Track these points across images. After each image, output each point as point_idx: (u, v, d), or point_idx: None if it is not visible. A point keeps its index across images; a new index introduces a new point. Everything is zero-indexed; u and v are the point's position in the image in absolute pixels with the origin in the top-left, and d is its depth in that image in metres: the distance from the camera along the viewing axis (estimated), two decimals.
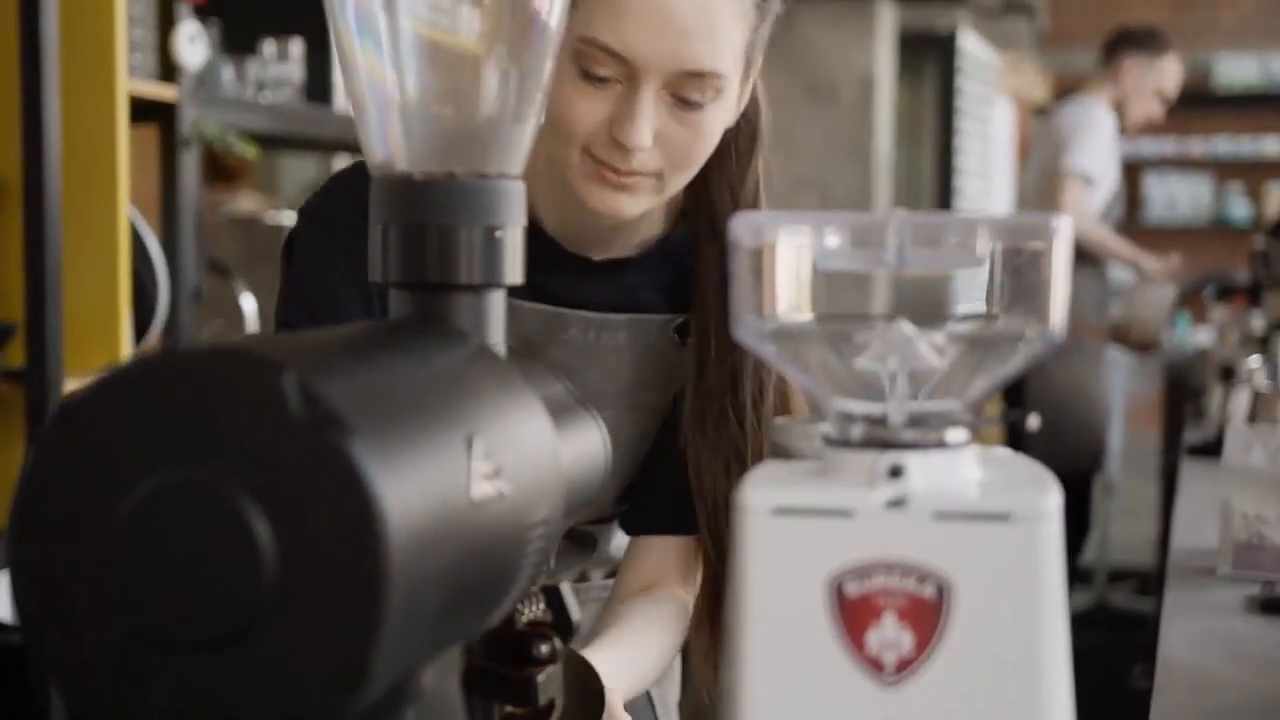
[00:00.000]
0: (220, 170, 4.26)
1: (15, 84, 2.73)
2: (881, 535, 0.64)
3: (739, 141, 1.41)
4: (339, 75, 0.80)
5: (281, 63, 3.79)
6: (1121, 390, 5.54)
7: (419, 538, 0.59)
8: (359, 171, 1.34)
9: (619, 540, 1.57)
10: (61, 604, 0.60)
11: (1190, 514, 2.34)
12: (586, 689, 1.16)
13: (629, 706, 1.36)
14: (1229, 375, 3.39)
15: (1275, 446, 1.86)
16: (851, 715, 0.65)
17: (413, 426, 0.62)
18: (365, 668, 0.57)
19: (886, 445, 0.66)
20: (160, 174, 3.34)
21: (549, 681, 0.81)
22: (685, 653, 1.55)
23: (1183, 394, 4.71)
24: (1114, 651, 4.19)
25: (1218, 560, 1.86)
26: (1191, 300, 6.32)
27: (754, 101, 1.42)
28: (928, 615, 0.64)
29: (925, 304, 0.70)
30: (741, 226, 0.69)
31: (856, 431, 0.67)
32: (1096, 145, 4.73)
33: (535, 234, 0.78)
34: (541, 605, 0.82)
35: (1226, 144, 9.06)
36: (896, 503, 0.64)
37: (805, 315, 0.69)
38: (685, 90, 1.29)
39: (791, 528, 0.65)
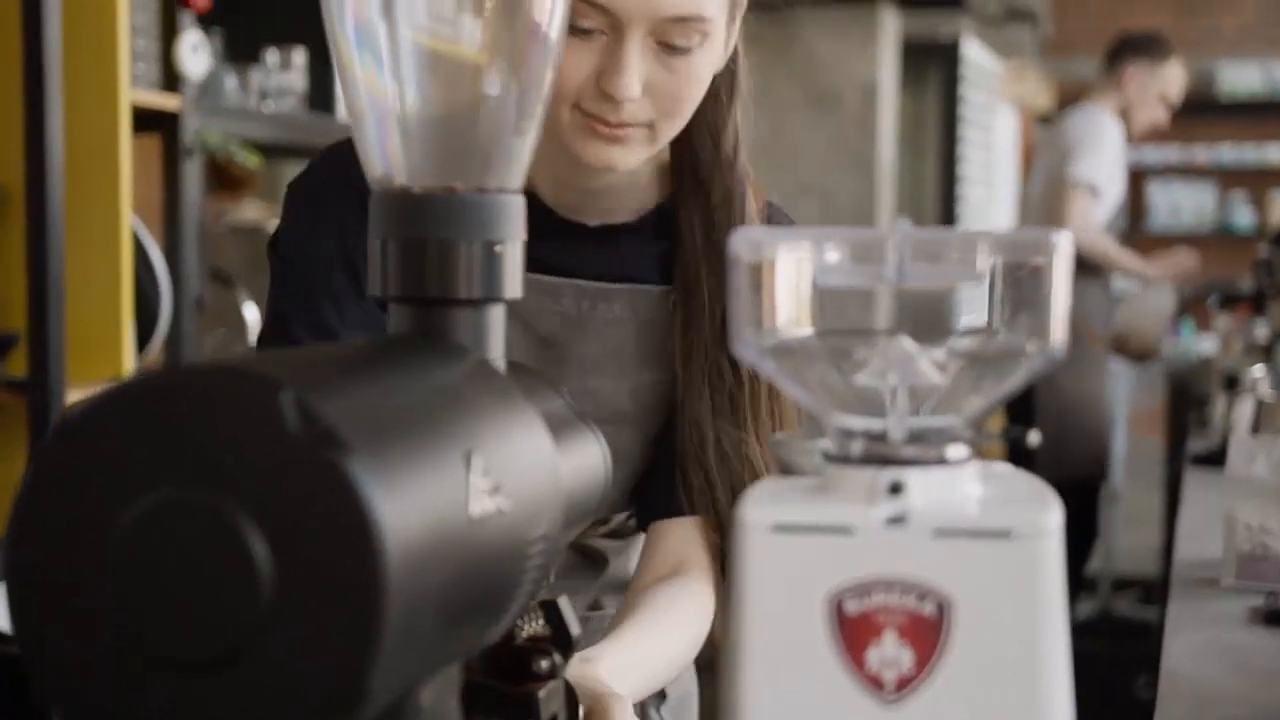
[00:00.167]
0: (224, 179, 4.26)
1: (18, 93, 2.74)
2: (881, 552, 0.64)
3: (718, 89, 1.39)
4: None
5: (284, 72, 3.79)
6: (1125, 398, 5.53)
7: (417, 555, 0.59)
8: (345, 145, 1.33)
9: (631, 560, 1.54)
10: (58, 619, 0.59)
11: (1194, 524, 2.33)
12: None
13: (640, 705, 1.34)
14: (1233, 384, 3.38)
15: (1279, 457, 1.86)
16: None
17: (411, 443, 0.61)
18: (363, 686, 0.57)
19: (886, 462, 0.66)
20: (163, 183, 3.34)
21: (550, 697, 0.81)
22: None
23: (1186, 403, 4.70)
24: (1118, 660, 4.19)
25: (1221, 571, 1.85)
26: (1195, 308, 6.31)
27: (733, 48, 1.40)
28: (928, 633, 0.64)
29: (926, 320, 0.69)
30: (741, 242, 0.69)
31: (856, 448, 0.67)
32: (1103, 155, 4.72)
33: (529, 200, 0.77)
34: (540, 621, 0.81)
35: (1230, 152, 9.05)
36: (896, 520, 0.64)
37: (805, 331, 0.69)
38: (671, 36, 1.27)
39: (791, 545, 0.65)
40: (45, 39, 2.70)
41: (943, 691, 0.64)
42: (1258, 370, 2.90)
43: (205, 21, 3.43)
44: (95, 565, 0.58)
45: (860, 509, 0.65)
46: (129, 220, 3.03)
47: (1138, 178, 8.48)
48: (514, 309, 1.37)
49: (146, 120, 3.21)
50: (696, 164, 1.42)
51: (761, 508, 0.66)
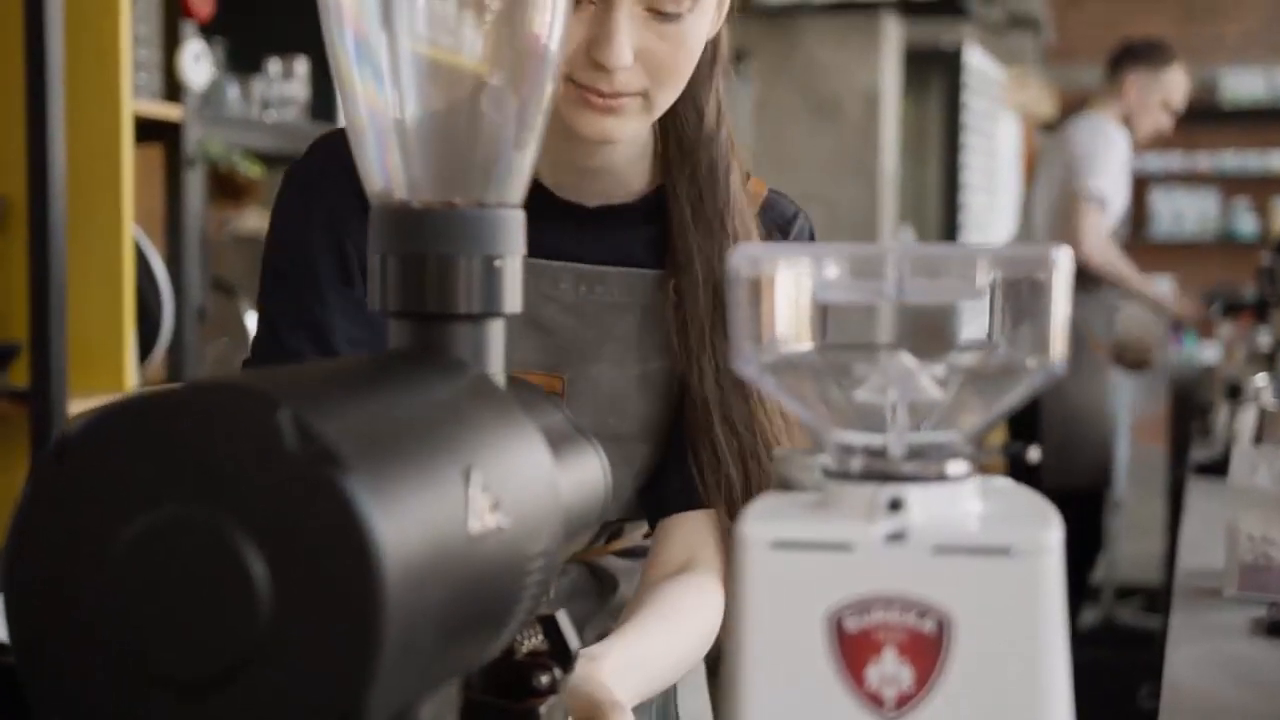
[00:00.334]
0: (226, 187, 4.27)
1: (20, 103, 2.74)
2: (881, 569, 0.64)
3: (701, 59, 1.37)
4: None
5: (286, 81, 3.79)
6: (1128, 406, 5.53)
7: (415, 573, 0.58)
8: (340, 133, 1.32)
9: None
10: (57, 637, 0.59)
11: (1196, 534, 2.33)
12: None
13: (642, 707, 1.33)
14: (1235, 393, 3.38)
15: None
16: None
17: (409, 461, 0.61)
18: (361, 704, 0.57)
19: (886, 478, 0.66)
20: (165, 193, 3.35)
21: (551, 712, 0.81)
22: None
23: (1189, 411, 4.70)
24: (1121, 668, 4.18)
25: (1224, 581, 1.85)
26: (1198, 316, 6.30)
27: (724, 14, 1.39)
28: (928, 650, 0.64)
29: (926, 334, 0.69)
30: (740, 258, 0.68)
31: (856, 463, 0.67)
32: (1111, 167, 4.73)
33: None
34: (539, 636, 0.81)
35: (1233, 158, 9.06)
36: (896, 536, 0.64)
37: (804, 347, 0.69)
38: (661, 3, 1.27)
39: (790, 561, 0.64)
40: (47, 48, 2.71)
41: (943, 709, 0.64)
42: (1260, 379, 2.89)
43: (207, 31, 3.44)
44: (94, 583, 0.58)
45: (860, 525, 0.65)
46: (131, 230, 3.03)
47: (1140, 185, 8.49)
48: None
49: (148, 130, 3.22)
50: (681, 135, 1.41)
51: (761, 524, 0.65)
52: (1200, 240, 9.12)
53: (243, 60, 3.73)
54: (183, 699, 0.58)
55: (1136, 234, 8.58)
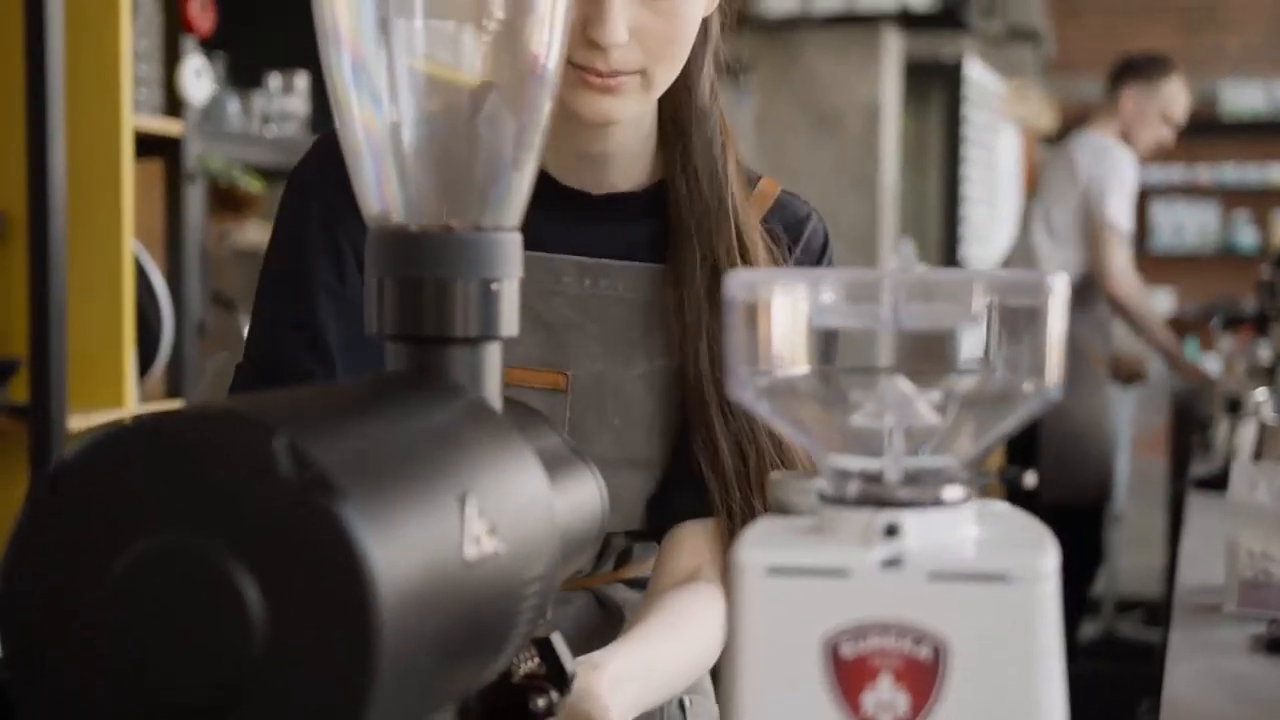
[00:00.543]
0: (226, 199, 4.27)
1: (21, 118, 2.75)
2: (877, 596, 0.64)
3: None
4: None
5: (287, 96, 3.80)
6: (1129, 419, 5.53)
7: (410, 601, 0.58)
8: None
9: None
10: (50, 666, 0.59)
11: (1196, 549, 2.33)
12: None
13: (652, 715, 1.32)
14: (1235, 408, 3.38)
15: None
16: None
17: (404, 487, 0.61)
18: None
19: (882, 503, 0.66)
20: (165, 208, 3.35)
21: None
22: None
23: (1190, 424, 4.70)
24: (1122, 681, 4.18)
25: (1223, 598, 1.85)
26: (1199, 328, 6.31)
27: None
28: (924, 677, 0.63)
29: (924, 359, 0.69)
30: (735, 284, 0.68)
31: (852, 489, 0.67)
32: (1126, 191, 4.73)
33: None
34: (535, 658, 0.81)
35: (1233, 171, 9.05)
36: (892, 562, 0.64)
37: (800, 371, 0.69)
38: None
39: (786, 588, 0.64)
40: (48, 64, 2.71)
41: None
42: (1260, 394, 2.89)
43: (208, 46, 3.44)
44: (90, 609, 0.58)
45: (856, 551, 0.65)
46: (131, 245, 3.03)
47: (1141, 197, 8.44)
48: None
49: (149, 145, 3.22)
50: (675, 113, 1.41)
51: (756, 550, 0.65)
52: (1200, 253, 9.11)
53: (243, 75, 3.73)
54: None
55: (1137, 247, 8.57)
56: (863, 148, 5.79)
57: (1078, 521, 4.54)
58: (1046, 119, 8.51)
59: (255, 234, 4.26)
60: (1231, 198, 9.12)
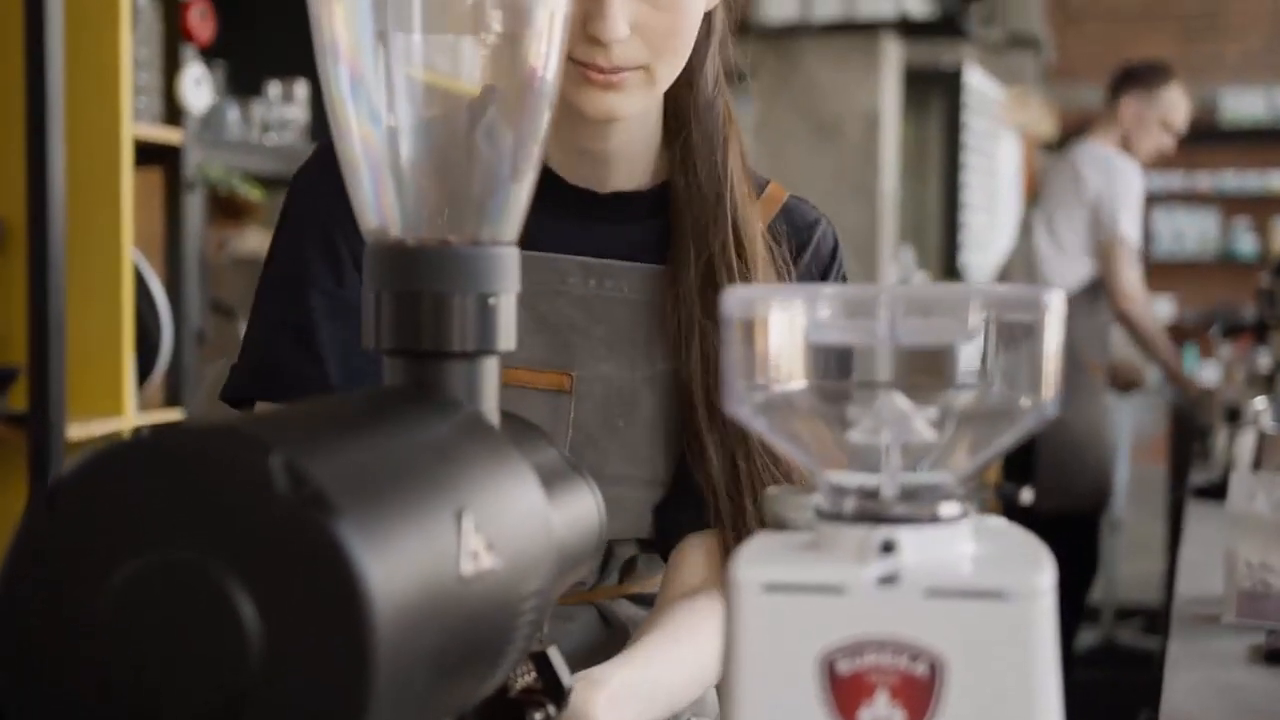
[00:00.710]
0: (226, 207, 4.27)
1: (20, 127, 2.75)
2: (873, 612, 0.64)
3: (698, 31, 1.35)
4: None
5: (286, 104, 3.80)
6: (1128, 427, 5.53)
7: (407, 617, 0.58)
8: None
9: None
10: (46, 682, 0.59)
11: (1195, 559, 2.32)
12: None
13: None
14: (1235, 416, 3.37)
15: None
16: None
17: (401, 503, 0.61)
18: None
19: (879, 520, 0.66)
20: (164, 217, 3.35)
21: None
22: None
23: (1189, 433, 4.69)
24: (1121, 689, 4.18)
25: (1222, 608, 1.85)
26: (1198, 336, 6.30)
27: None
28: (920, 694, 0.63)
29: (920, 376, 0.69)
30: (732, 300, 0.68)
31: (849, 505, 0.67)
32: (1136, 208, 4.73)
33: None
34: (532, 673, 0.81)
35: (1233, 178, 9.07)
36: (888, 579, 0.64)
37: (797, 387, 0.69)
38: None
39: (783, 604, 0.64)
40: (48, 73, 2.71)
41: None
42: (1259, 403, 2.89)
43: (207, 55, 3.45)
44: (84, 630, 0.58)
45: (852, 568, 0.64)
46: (130, 254, 3.03)
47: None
48: (521, 296, 1.30)
49: (148, 154, 3.22)
50: (677, 106, 1.40)
51: (753, 567, 0.65)
52: (1200, 260, 9.12)
53: (243, 83, 3.74)
54: None
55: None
56: (862, 155, 5.79)
57: (1074, 530, 4.54)
58: (1046, 126, 8.52)
59: (254, 242, 4.26)
60: (1231, 205, 9.13)
